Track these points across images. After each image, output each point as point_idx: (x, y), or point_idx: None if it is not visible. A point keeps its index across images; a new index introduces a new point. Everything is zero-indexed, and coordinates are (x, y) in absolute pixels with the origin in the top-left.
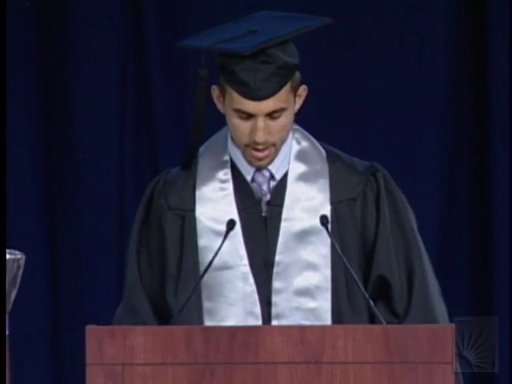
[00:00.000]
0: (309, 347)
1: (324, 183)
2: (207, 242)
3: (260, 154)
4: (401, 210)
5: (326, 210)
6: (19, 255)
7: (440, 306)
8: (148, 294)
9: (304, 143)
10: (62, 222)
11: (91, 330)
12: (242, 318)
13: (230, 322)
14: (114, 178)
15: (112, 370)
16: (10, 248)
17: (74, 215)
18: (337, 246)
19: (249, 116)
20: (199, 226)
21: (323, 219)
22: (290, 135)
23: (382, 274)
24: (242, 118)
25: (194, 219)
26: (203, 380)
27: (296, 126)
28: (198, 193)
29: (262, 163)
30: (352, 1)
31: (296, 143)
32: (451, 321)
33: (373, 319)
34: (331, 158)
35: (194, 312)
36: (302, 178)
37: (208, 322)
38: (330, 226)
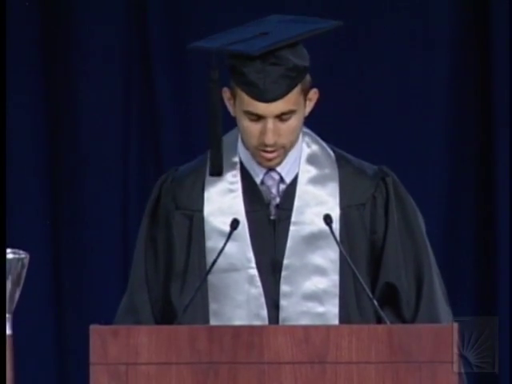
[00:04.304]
0: (313, 347)
1: (334, 187)
2: (215, 244)
3: (269, 155)
4: (410, 216)
5: (336, 215)
6: (23, 254)
7: (446, 313)
8: (151, 295)
9: (314, 147)
10: (66, 222)
11: (95, 330)
12: (249, 321)
13: (236, 324)
14: (118, 176)
15: (116, 369)
16: (13, 247)
17: (78, 214)
18: (340, 247)
19: (258, 118)
20: (207, 227)
21: (327, 218)
22: (300, 138)
23: (389, 281)
24: (251, 119)
25: (202, 220)
26: (207, 380)
27: (306, 130)
28: (206, 193)
29: (271, 164)
30: (354, 2)
31: (306, 146)
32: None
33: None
34: (341, 162)
35: (199, 313)
36: (312, 181)
37: (214, 324)
38: (338, 230)
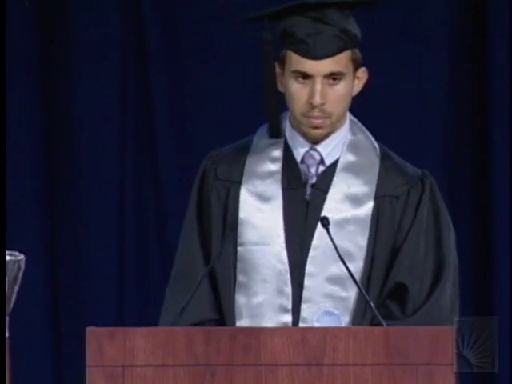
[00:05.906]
0: (309, 349)
1: (372, 177)
2: (246, 216)
3: (315, 121)
4: (442, 223)
5: (370, 203)
6: (19, 256)
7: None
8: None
9: (360, 136)
10: (63, 223)
11: (91, 332)
12: (273, 296)
13: (261, 298)
14: (114, 179)
15: (112, 371)
16: (10, 249)
17: (74, 216)
18: (337, 249)
19: (307, 78)
20: (242, 199)
21: (324, 220)
22: (347, 125)
23: (400, 281)
24: (299, 81)
25: (238, 192)
26: (204, 382)
27: (354, 119)
28: (246, 167)
29: (317, 133)
30: None
31: (351, 134)
32: None
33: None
34: (384, 156)
35: (226, 284)
36: (352, 168)
37: (240, 296)
38: (370, 217)
